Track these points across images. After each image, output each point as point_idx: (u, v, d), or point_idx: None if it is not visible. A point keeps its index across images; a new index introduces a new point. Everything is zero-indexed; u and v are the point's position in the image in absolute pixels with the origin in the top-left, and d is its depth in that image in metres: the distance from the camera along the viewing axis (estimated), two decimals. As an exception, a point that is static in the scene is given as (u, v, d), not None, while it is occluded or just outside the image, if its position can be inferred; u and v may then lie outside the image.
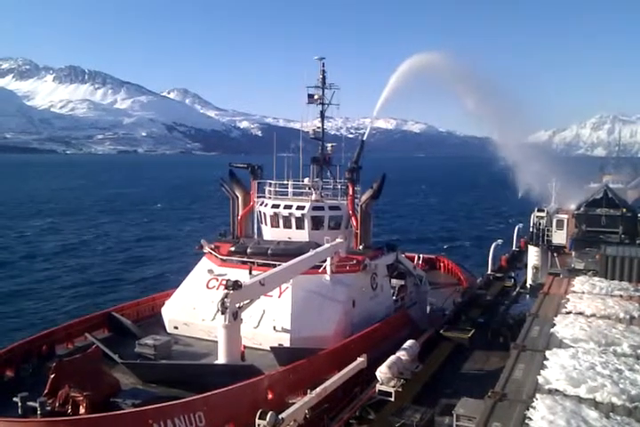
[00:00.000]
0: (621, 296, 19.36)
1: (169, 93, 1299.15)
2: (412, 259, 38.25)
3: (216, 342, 21.98)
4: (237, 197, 32.58)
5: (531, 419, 9.98)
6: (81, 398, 17.47)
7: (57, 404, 17.60)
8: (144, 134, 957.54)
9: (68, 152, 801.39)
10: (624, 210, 37.91)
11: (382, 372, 21.20)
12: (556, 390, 11.38)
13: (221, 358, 21.53)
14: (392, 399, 20.93)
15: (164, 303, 28.48)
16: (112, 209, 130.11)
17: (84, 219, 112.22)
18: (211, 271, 28.09)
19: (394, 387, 21.10)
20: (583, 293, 19.66)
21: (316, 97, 33.51)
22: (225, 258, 28.98)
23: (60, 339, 24.66)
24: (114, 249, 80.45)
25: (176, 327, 26.71)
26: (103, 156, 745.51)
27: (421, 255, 43.46)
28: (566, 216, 40.07)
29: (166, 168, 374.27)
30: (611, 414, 10.25)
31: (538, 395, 10.95)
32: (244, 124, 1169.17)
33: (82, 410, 17.32)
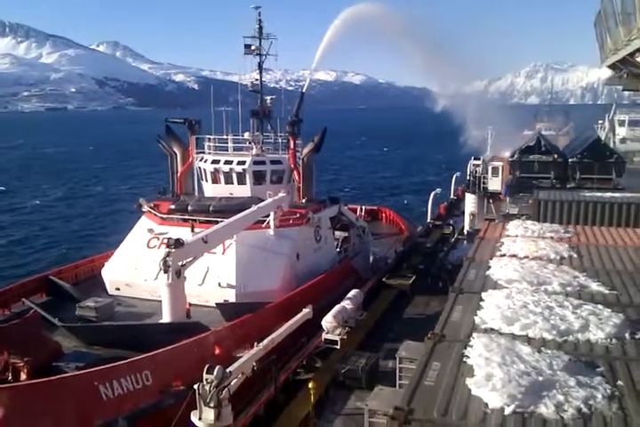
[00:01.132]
0: (552, 238, 20.23)
1: (98, 46, 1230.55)
2: (354, 210, 38.68)
3: (160, 301, 21.78)
4: (175, 154, 31.70)
5: (468, 357, 10.42)
6: (21, 363, 17.04)
7: (-3, 371, 17.16)
8: (73, 90, 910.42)
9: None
10: (555, 156, 39.29)
11: (327, 321, 21.71)
12: (492, 329, 11.90)
13: (166, 317, 21.41)
14: (338, 347, 21.53)
15: (103, 265, 27.85)
16: (44, 169, 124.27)
17: (16, 179, 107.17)
18: (151, 230, 27.54)
19: (339, 335, 21.69)
20: (517, 236, 20.42)
21: (253, 48, 32.55)
22: (165, 216, 28.41)
23: None
24: (48, 211, 77.45)
25: (118, 289, 26.25)
26: (30, 113, 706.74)
27: (364, 207, 44.04)
28: (501, 163, 41.26)
29: (98, 125, 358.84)
30: (542, 348, 10.83)
31: (475, 334, 11.41)
32: (179, 78, 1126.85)
33: (23, 376, 16.94)
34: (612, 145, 56.29)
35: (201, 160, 31.00)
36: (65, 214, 74.95)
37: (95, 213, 75.61)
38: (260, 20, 32.50)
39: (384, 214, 46.33)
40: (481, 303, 13.20)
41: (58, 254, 53.11)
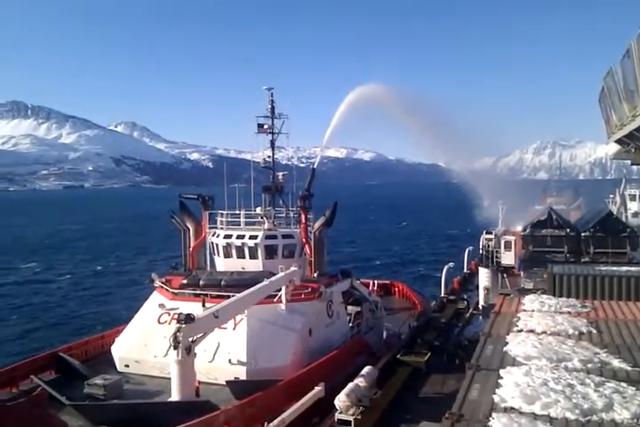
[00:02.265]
0: (569, 313, 19.83)
1: (116, 127, 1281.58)
2: (366, 285, 38.39)
3: (169, 379, 21.31)
4: (188, 229, 32.16)
5: (489, 438, 9.99)
6: (26, 445, 16.54)
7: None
8: (90, 168, 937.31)
9: (11, 189, 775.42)
10: (568, 230, 39.33)
11: (341, 400, 20.93)
12: (512, 408, 11.43)
13: (175, 395, 20.85)
14: (352, 428, 20.63)
15: (113, 341, 27.54)
16: (58, 246, 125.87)
17: (30, 256, 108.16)
18: (162, 306, 27.41)
19: (353, 415, 20.82)
20: (533, 311, 20.04)
21: (265, 127, 33.82)
22: (177, 291, 28.38)
23: (4, 383, 23.44)
24: (61, 287, 77.78)
25: (127, 366, 25.80)
26: (48, 191, 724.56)
27: (376, 281, 43.71)
28: (513, 238, 41.23)
29: (114, 202, 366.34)
30: (565, 428, 10.37)
31: (494, 414, 10.97)
32: (194, 156, 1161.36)
33: (27, 458, 16.38)
34: (624, 219, 56.34)
35: (213, 235, 31.36)
36: (78, 289, 75.10)
37: (108, 288, 75.63)
38: (272, 100, 33.99)
39: (397, 289, 45.87)
40: (499, 381, 12.76)
41: (68, 330, 52.60)
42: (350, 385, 21.89)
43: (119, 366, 25.98)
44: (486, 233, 42.39)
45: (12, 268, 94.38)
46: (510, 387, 12.26)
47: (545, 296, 22.76)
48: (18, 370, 24.22)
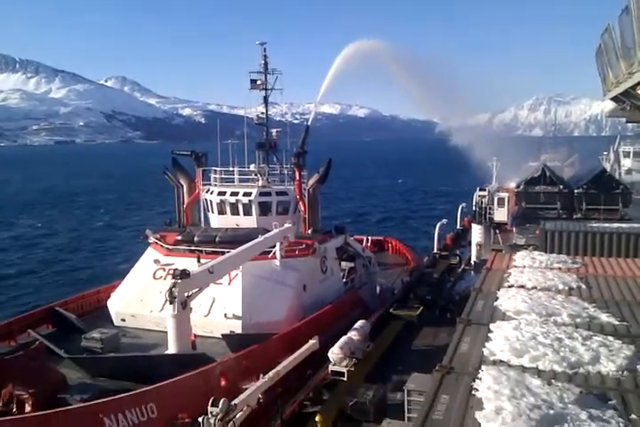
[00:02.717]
0: (560, 269, 20.13)
1: (106, 81, 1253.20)
2: (360, 241, 38.67)
3: (166, 332, 21.63)
4: (182, 186, 32.01)
5: (477, 390, 10.25)
6: (26, 396, 16.93)
7: (1, 403, 16.99)
8: (82, 124, 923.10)
9: (1, 144, 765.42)
10: (561, 187, 39.50)
11: (334, 352, 21.43)
12: (501, 361, 11.74)
13: (172, 348, 21.24)
14: (345, 379, 21.22)
15: (109, 296, 27.83)
16: (52, 201, 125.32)
17: (24, 212, 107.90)
18: (157, 261, 27.58)
19: (346, 367, 21.37)
20: (524, 267, 20.32)
21: (258, 82, 33.20)
22: (171, 247, 28.50)
23: (1, 336, 23.73)
24: (55, 241, 77.82)
25: (123, 320, 26.17)
26: (39, 147, 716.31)
27: (370, 237, 43.99)
28: (507, 194, 41.40)
29: (106, 158, 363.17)
30: (552, 380, 10.65)
31: (483, 366, 11.26)
32: (186, 112, 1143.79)
33: (28, 408, 16.79)
34: (617, 176, 56.50)
35: (207, 192, 31.26)
36: (72, 245, 75.21)
37: (103, 243, 75.87)
38: (265, 55, 33.24)
39: (390, 245, 46.24)
40: (489, 335, 13.05)
41: (64, 285, 53.08)
42: (344, 338, 22.39)
43: (116, 321, 26.34)
44: (480, 190, 42.47)
45: (6, 223, 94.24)
46: (500, 341, 12.55)
47: (536, 252, 23.06)
48: (15, 324, 24.51)
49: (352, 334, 22.94)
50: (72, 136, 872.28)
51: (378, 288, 34.60)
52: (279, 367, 18.44)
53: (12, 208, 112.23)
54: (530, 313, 14.64)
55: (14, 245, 74.99)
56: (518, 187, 40.60)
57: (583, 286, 17.81)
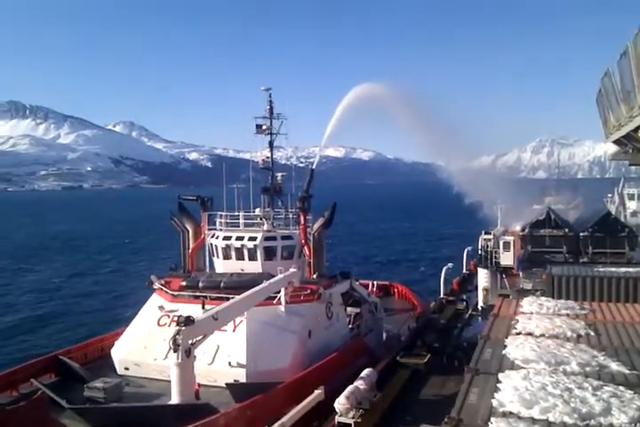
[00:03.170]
0: (568, 315, 19.88)
1: (114, 127, 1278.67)
2: (366, 286, 38.39)
3: (169, 381, 21.35)
4: (188, 230, 32.18)
5: (487, 443, 10.02)
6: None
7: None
8: (89, 169, 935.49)
9: (9, 189, 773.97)
10: (566, 230, 39.38)
11: (340, 403, 20.93)
12: (510, 413, 11.46)
13: (175, 398, 20.89)
14: (352, 431, 20.66)
15: (113, 344, 27.58)
16: (55, 247, 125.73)
17: (28, 258, 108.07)
18: (161, 308, 27.43)
19: (353, 418, 20.83)
20: (532, 313, 20.08)
21: (264, 127, 33.86)
22: (176, 293, 28.41)
23: (4, 386, 23.48)
24: (59, 288, 77.67)
25: (127, 368, 25.83)
26: (47, 192, 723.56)
27: (375, 282, 43.69)
28: (512, 238, 41.22)
29: (113, 203, 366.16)
30: (563, 433, 10.40)
31: (493, 418, 11.01)
32: (193, 156, 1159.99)
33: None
34: (622, 219, 56.38)
35: (212, 236, 31.39)
36: (77, 292, 74.94)
37: (108, 289, 75.56)
38: (270, 100, 34.02)
39: (396, 290, 45.88)
40: (498, 385, 12.80)
41: (68, 332, 52.60)
42: (350, 388, 21.92)
43: (119, 369, 26.01)
44: (485, 233, 42.39)
45: (14, 269, 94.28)
46: (509, 391, 12.30)
47: (544, 298, 22.83)
48: (18, 373, 24.28)
49: (358, 384, 22.46)
50: (80, 181, 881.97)
51: (384, 335, 34.12)
52: (284, 419, 18.08)
53: (21, 254, 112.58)
54: (539, 362, 14.39)
55: (20, 291, 74.81)
56: (523, 230, 40.53)
57: (592, 333, 17.54)
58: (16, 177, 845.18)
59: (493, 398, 12.18)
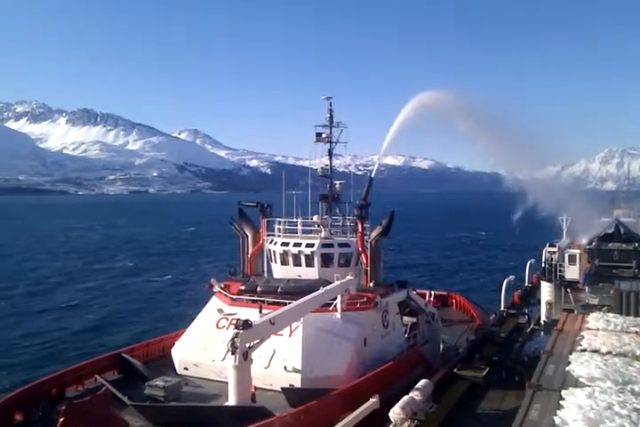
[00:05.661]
0: (637, 333, 19.03)
1: (180, 134, 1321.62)
2: (423, 295, 37.92)
3: (226, 383, 21.69)
4: (247, 236, 32.73)
5: (549, 462, 9.70)
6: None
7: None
8: (155, 174, 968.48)
9: (80, 193, 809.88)
10: (636, 244, 37.57)
11: (395, 413, 20.70)
12: (574, 432, 11.10)
13: (231, 400, 21.20)
14: (406, 442, 20.38)
15: (173, 344, 28.32)
16: (118, 249, 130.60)
17: (95, 260, 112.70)
18: (220, 311, 27.97)
19: (408, 429, 20.58)
20: (598, 329, 19.37)
21: (324, 135, 34.06)
22: (235, 297, 28.88)
23: (70, 381, 24.51)
24: (124, 289, 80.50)
25: (186, 368, 26.46)
26: (115, 196, 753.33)
27: (433, 292, 43.05)
28: (578, 251, 39.70)
29: (177, 207, 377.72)
30: (631, 456, 9.95)
31: (555, 437, 10.68)
32: (253, 163, 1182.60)
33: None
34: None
35: (271, 242, 31.76)
36: (140, 293, 77.33)
37: (170, 291, 77.76)
38: (330, 109, 34.22)
39: (454, 300, 45.04)
40: (561, 402, 12.41)
41: (131, 332, 54.38)
42: (405, 398, 21.64)
43: (178, 369, 26.66)
44: (549, 246, 41.00)
45: (83, 270, 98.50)
46: (572, 409, 11.90)
47: (611, 314, 21.96)
48: (83, 369, 25.31)
49: (414, 394, 22.16)
50: (145, 186, 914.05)
51: (441, 346, 33.52)
52: (339, 426, 17.98)
53: (95, 255, 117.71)
54: (605, 380, 13.86)
55: (91, 293, 77.84)
56: (590, 243, 38.96)
57: (663, 353, 16.71)
58: (86, 181, 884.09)
59: (556, 415, 11.82)
